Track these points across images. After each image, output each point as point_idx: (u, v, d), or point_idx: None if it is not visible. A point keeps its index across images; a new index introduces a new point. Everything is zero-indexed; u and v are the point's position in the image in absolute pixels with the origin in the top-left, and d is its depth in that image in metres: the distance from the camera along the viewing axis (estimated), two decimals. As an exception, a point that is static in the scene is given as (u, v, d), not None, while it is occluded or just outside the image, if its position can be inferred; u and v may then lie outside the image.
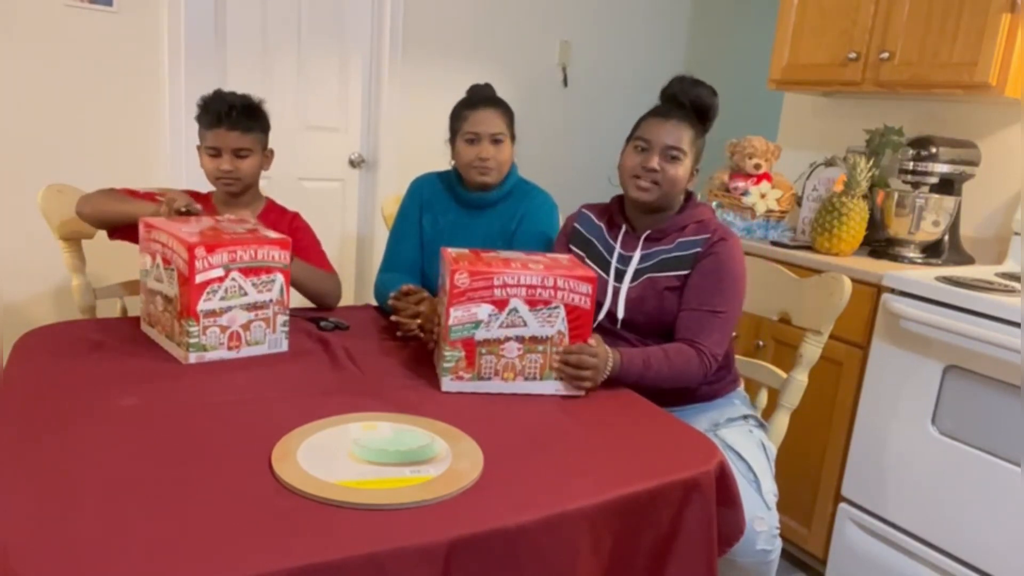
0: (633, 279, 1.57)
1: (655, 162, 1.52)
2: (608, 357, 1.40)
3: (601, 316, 1.59)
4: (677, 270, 1.55)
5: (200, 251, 1.35)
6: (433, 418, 1.21)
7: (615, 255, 1.62)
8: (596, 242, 1.67)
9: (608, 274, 1.61)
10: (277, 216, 1.87)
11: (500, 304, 1.32)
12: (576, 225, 1.72)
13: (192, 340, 1.37)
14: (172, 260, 1.39)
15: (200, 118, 1.76)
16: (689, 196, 1.64)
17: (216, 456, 1.04)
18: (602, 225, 1.68)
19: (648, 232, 1.59)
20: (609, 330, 1.59)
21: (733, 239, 1.55)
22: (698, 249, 1.54)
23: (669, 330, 1.55)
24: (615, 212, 1.67)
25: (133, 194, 1.75)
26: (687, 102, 1.56)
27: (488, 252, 1.44)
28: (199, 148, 1.79)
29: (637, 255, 1.58)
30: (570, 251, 1.70)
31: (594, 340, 1.39)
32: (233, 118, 1.73)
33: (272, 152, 1.86)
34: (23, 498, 0.90)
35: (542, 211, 1.86)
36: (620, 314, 1.57)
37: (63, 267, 1.85)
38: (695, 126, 1.56)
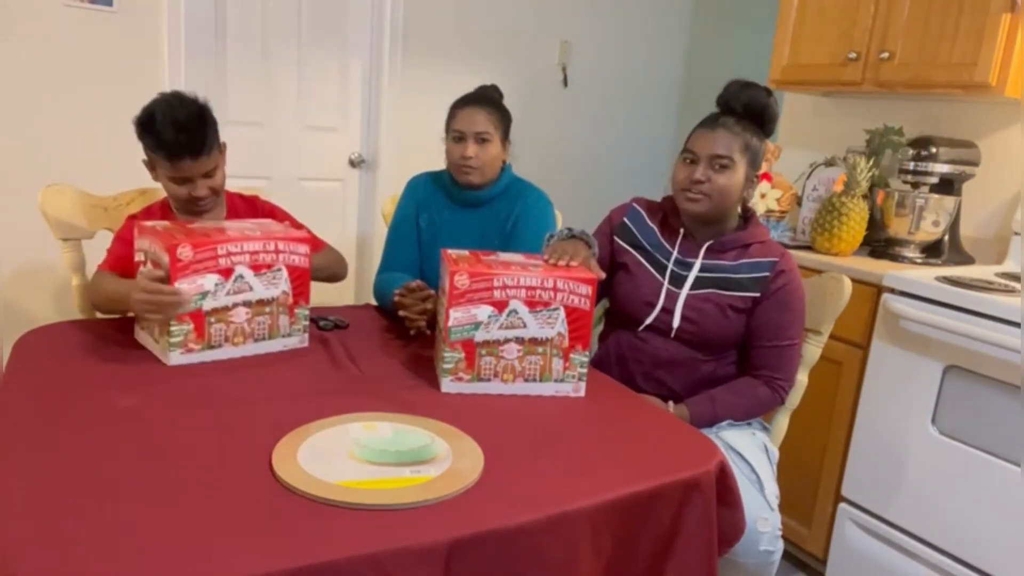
0: (693, 287, 1.55)
1: (700, 173, 1.50)
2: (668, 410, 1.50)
3: (651, 319, 1.57)
4: (743, 291, 1.53)
5: (183, 251, 1.34)
6: (433, 418, 1.21)
7: (672, 259, 1.59)
8: (648, 244, 1.63)
9: (663, 277, 1.58)
10: (243, 205, 1.81)
11: (500, 305, 1.32)
12: (626, 220, 1.68)
13: (174, 339, 1.36)
14: (158, 262, 1.38)
15: (150, 145, 1.56)
16: (752, 214, 1.62)
17: (216, 456, 1.04)
18: (655, 227, 1.64)
19: (710, 243, 1.57)
20: (662, 337, 1.57)
21: (794, 263, 1.56)
22: (766, 273, 1.52)
23: (723, 346, 1.55)
24: (670, 214, 1.64)
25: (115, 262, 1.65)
26: (740, 107, 1.53)
27: (488, 254, 1.44)
28: (149, 164, 1.62)
29: (698, 263, 1.56)
30: (612, 244, 1.67)
31: (662, 403, 1.51)
32: (195, 146, 1.53)
33: (225, 144, 1.67)
34: (23, 498, 0.90)
35: (537, 209, 1.86)
36: (676, 322, 1.54)
37: (63, 267, 1.85)
38: (749, 130, 1.52)
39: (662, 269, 1.59)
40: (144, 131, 1.57)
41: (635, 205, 1.69)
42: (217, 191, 1.66)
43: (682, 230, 1.60)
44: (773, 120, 1.56)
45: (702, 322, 1.53)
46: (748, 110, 1.53)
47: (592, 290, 1.34)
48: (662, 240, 1.62)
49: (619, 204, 1.73)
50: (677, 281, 1.57)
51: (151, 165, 1.63)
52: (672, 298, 1.56)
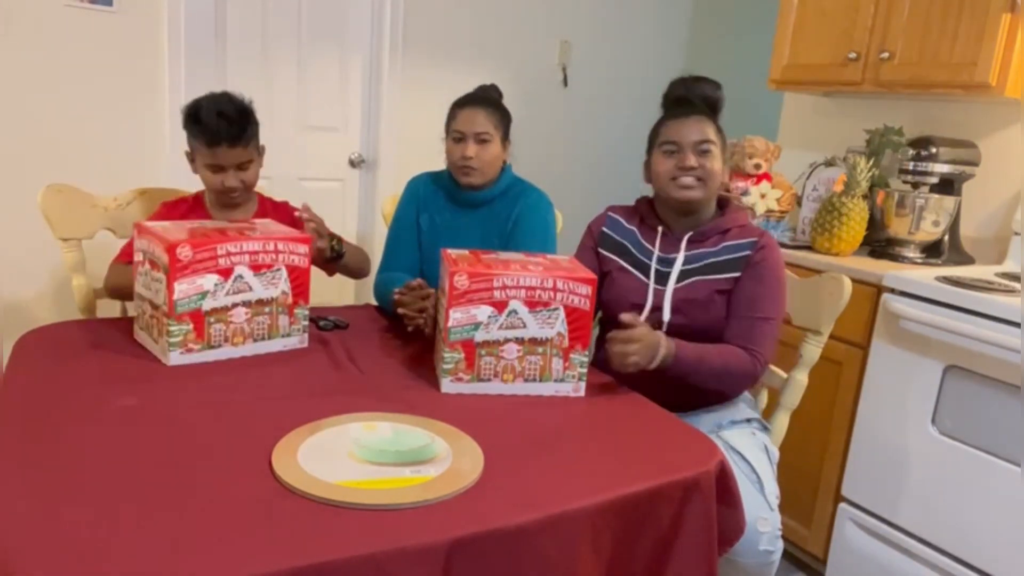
0: (678, 280, 1.55)
1: (692, 159, 1.51)
2: (660, 344, 1.40)
3: (642, 319, 1.54)
4: (727, 273, 1.53)
5: (182, 251, 1.34)
6: (433, 418, 1.21)
7: (654, 258, 1.59)
8: (630, 246, 1.63)
9: (648, 277, 1.58)
10: (272, 209, 1.85)
11: (499, 306, 1.32)
12: (605, 229, 1.68)
13: (173, 339, 1.36)
14: (157, 262, 1.38)
15: (193, 132, 1.67)
16: (727, 200, 1.63)
17: (216, 456, 1.04)
18: (634, 228, 1.65)
19: (690, 234, 1.57)
20: None
21: (776, 244, 1.56)
22: (748, 252, 1.53)
23: (716, 334, 1.54)
24: (647, 214, 1.64)
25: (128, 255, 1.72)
26: (698, 99, 1.57)
27: (488, 253, 1.44)
28: (190, 155, 1.72)
29: (681, 256, 1.56)
30: (599, 256, 1.67)
31: (644, 328, 1.39)
32: (234, 134, 1.64)
33: (264, 148, 1.80)
34: (23, 498, 0.90)
35: (537, 209, 1.86)
36: (666, 316, 1.54)
37: (63, 267, 1.85)
38: (712, 119, 1.56)
39: (646, 270, 1.59)
40: (189, 118, 1.67)
41: (611, 213, 1.71)
42: (249, 186, 1.74)
43: (660, 228, 1.61)
44: (721, 110, 1.60)
45: (690, 312, 1.53)
46: (704, 101, 1.57)
47: (592, 290, 1.34)
48: (643, 241, 1.63)
49: (595, 216, 1.73)
50: (662, 279, 1.57)
51: (191, 156, 1.73)
52: (660, 296, 1.56)
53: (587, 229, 1.73)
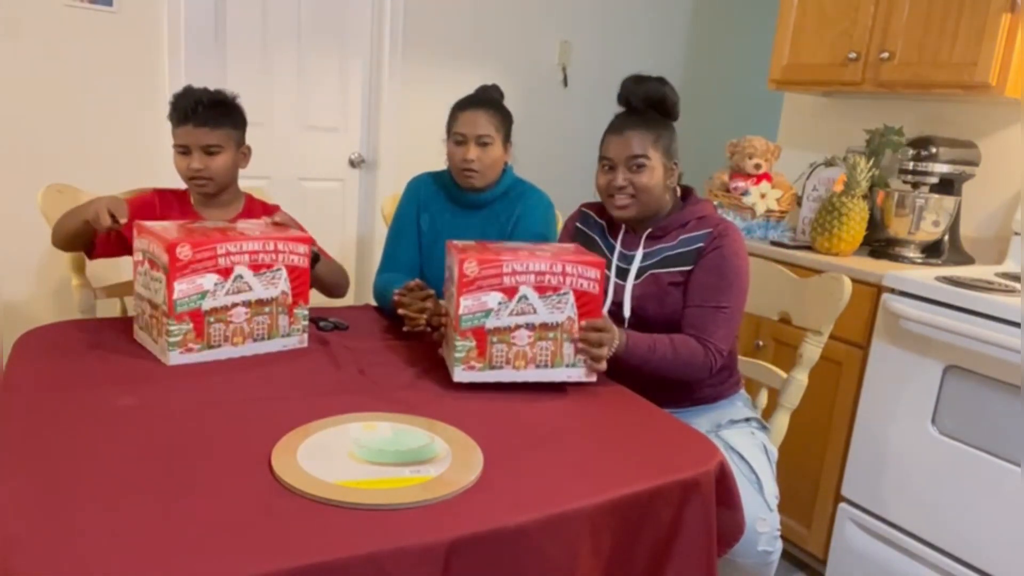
0: (637, 276, 1.57)
1: (621, 179, 1.53)
2: (615, 334, 1.41)
3: (603, 313, 1.58)
4: (680, 266, 1.54)
5: (182, 250, 1.34)
6: (433, 418, 1.21)
7: (616, 253, 1.62)
8: (598, 239, 1.67)
9: (610, 272, 1.61)
10: (260, 211, 1.83)
11: (509, 292, 1.32)
12: (578, 224, 1.72)
13: (172, 339, 1.37)
14: (156, 262, 1.39)
15: (170, 116, 1.70)
16: (689, 192, 1.64)
17: (216, 456, 1.04)
18: (603, 223, 1.68)
19: (649, 231, 1.59)
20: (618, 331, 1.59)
21: (735, 233, 1.55)
22: (701, 244, 1.54)
23: (675, 328, 1.55)
24: None
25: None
26: (639, 102, 1.57)
27: (494, 243, 1.45)
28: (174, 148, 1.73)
29: (640, 253, 1.58)
30: None
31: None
32: (200, 114, 1.65)
33: (249, 149, 1.79)
34: (23, 497, 0.90)
35: (538, 211, 1.86)
36: (627, 313, 1.56)
37: (63, 267, 1.85)
38: (655, 122, 1.54)
39: (608, 264, 1.61)
40: (172, 100, 1.69)
41: (584, 209, 1.73)
42: (214, 177, 1.70)
43: (624, 224, 1.63)
44: (674, 105, 1.58)
45: (648, 306, 1.55)
46: (648, 103, 1.56)
47: (600, 273, 1.34)
48: (608, 236, 1.66)
49: (571, 213, 1.76)
50: (623, 274, 1.59)
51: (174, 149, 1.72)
52: (620, 291, 1.58)
53: (563, 227, 1.76)
